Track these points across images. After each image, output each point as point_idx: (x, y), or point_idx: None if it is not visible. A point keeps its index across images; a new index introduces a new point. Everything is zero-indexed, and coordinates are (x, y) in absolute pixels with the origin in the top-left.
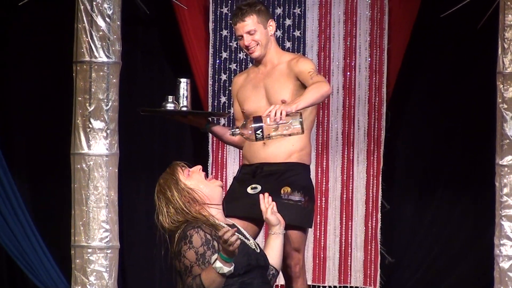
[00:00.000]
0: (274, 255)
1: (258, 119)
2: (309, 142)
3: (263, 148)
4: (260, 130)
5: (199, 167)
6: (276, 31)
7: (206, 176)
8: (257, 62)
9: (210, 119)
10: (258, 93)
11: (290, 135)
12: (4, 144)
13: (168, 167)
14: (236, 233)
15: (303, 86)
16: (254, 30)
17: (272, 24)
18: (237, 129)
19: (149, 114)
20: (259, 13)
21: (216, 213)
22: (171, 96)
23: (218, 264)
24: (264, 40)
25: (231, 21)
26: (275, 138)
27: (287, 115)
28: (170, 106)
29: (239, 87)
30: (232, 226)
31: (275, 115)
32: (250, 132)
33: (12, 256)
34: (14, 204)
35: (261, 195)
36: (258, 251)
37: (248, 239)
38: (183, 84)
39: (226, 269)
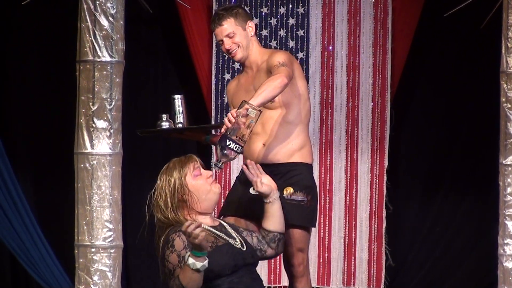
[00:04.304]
0: (276, 221)
1: (222, 137)
2: (308, 138)
3: (264, 149)
4: (231, 142)
5: (210, 173)
6: (259, 30)
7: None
8: (244, 66)
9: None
10: (249, 96)
11: (256, 121)
12: (7, 143)
13: (185, 156)
14: (201, 227)
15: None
16: (233, 32)
17: (251, 25)
18: (218, 163)
19: (148, 135)
20: (237, 15)
21: (203, 218)
22: (165, 115)
23: (190, 260)
24: (245, 42)
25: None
26: (249, 134)
27: (238, 115)
28: (165, 125)
29: (232, 94)
30: (219, 225)
31: (230, 122)
32: (227, 152)
33: (16, 255)
34: (18, 203)
35: (243, 166)
36: (244, 249)
37: (233, 238)
38: (177, 101)
39: (199, 264)
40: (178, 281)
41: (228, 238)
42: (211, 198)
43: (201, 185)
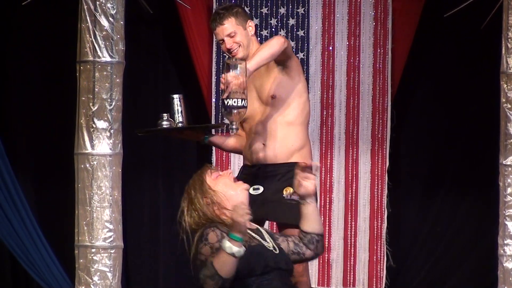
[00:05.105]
0: (312, 222)
1: (222, 102)
2: (308, 139)
3: (264, 149)
4: (229, 99)
5: (229, 171)
6: (259, 30)
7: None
8: None
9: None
10: (250, 96)
11: (246, 73)
12: (7, 144)
13: (200, 169)
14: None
15: (287, 73)
16: (234, 32)
17: (251, 25)
18: (231, 125)
19: (147, 135)
20: (237, 15)
21: None
22: (166, 114)
23: (227, 243)
24: (245, 41)
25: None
26: (246, 86)
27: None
28: (166, 124)
29: None
30: (256, 229)
31: (225, 85)
32: (233, 111)
33: (16, 256)
34: (18, 204)
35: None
36: (277, 252)
37: (267, 241)
38: (176, 100)
39: (235, 248)
40: (211, 266)
41: (261, 240)
42: (239, 192)
43: (225, 182)
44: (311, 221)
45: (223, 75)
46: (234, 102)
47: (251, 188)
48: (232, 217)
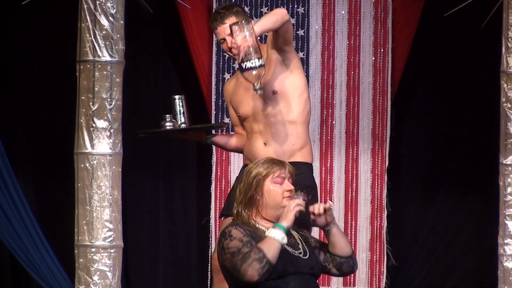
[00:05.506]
0: (336, 245)
1: (239, 67)
2: (309, 138)
3: (264, 149)
4: (247, 62)
5: (291, 188)
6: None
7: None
8: None
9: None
10: (250, 94)
11: (253, 30)
12: (7, 143)
13: (279, 160)
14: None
15: (286, 66)
16: None
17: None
18: (255, 86)
19: (149, 136)
20: (237, 14)
21: (266, 223)
22: (169, 115)
23: (275, 231)
24: None
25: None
26: (257, 43)
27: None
28: (169, 125)
29: (231, 93)
30: (288, 233)
31: (237, 49)
32: (255, 72)
33: (16, 255)
34: (18, 203)
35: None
36: (306, 257)
37: (297, 246)
38: (178, 101)
39: (281, 235)
40: (257, 250)
41: (287, 247)
42: (278, 210)
43: (275, 194)
44: (335, 244)
45: (232, 40)
46: (252, 63)
47: None
48: (287, 205)
